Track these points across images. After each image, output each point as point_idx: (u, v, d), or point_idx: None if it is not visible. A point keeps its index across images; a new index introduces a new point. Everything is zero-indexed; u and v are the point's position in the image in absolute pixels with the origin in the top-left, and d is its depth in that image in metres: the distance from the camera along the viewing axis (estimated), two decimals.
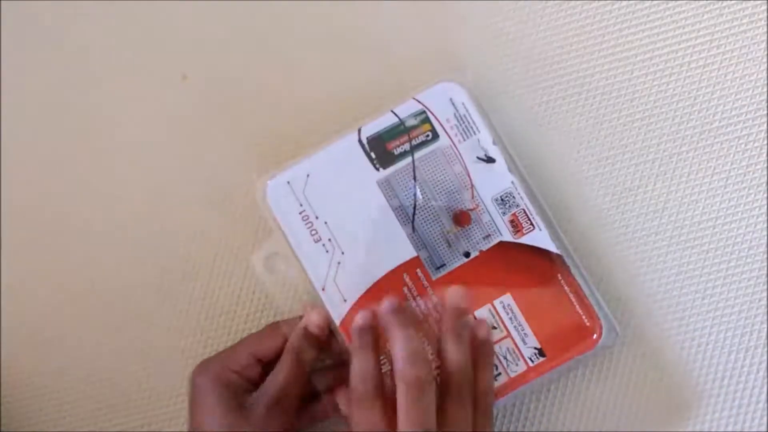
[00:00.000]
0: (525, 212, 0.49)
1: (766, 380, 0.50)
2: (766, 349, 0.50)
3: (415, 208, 0.49)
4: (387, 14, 0.53)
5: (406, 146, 0.49)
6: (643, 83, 0.51)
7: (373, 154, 0.49)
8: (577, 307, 0.48)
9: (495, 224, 0.49)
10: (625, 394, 0.51)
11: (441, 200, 0.49)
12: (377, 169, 0.49)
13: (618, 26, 0.52)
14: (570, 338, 0.48)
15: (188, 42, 0.54)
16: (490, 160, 0.49)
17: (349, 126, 0.49)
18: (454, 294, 0.47)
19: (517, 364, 0.48)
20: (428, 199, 0.49)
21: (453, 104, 0.49)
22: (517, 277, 0.48)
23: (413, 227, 0.49)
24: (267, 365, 0.48)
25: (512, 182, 0.49)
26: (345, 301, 0.48)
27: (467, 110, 0.49)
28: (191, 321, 0.53)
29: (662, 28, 0.51)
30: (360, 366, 0.45)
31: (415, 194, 0.49)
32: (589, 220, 0.51)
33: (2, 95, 0.54)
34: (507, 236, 0.49)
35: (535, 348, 0.48)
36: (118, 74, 0.54)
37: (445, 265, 0.49)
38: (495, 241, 0.49)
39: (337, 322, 0.48)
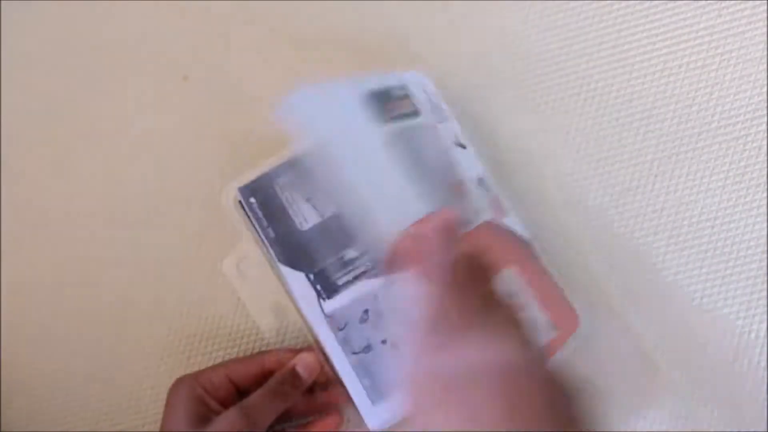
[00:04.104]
0: (497, 198, 0.49)
1: (765, 380, 0.50)
2: (765, 349, 0.51)
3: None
4: (389, 14, 0.53)
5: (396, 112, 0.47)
6: (642, 83, 0.52)
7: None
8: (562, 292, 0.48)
9: (481, 202, 0.48)
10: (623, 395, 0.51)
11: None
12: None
13: (617, 27, 0.52)
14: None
15: (189, 43, 0.54)
16: (462, 146, 0.49)
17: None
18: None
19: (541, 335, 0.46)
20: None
21: (425, 92, 0.49)
22: (510, 255, 0.47)
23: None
24: (244, 390, 0.49)
25: (484, 170, 0.49)
26: None
27: (438, 99, 0.49)
28: (193, 321, 0.53)
29: (661, 29, 0.52)
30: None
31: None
32: (587, 220, 0.51)
33: (3, 95, 0.54)
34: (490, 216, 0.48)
35: (548, 321, 0.47)
36: (119, 75, 0.54)
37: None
38: (484, 217, 0.48)
39: None
